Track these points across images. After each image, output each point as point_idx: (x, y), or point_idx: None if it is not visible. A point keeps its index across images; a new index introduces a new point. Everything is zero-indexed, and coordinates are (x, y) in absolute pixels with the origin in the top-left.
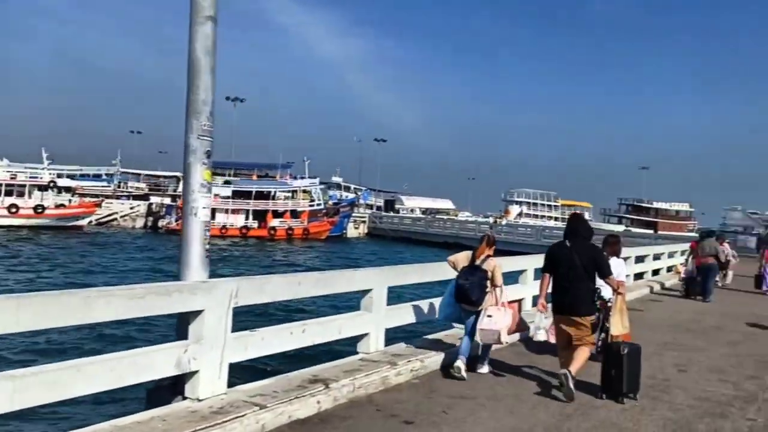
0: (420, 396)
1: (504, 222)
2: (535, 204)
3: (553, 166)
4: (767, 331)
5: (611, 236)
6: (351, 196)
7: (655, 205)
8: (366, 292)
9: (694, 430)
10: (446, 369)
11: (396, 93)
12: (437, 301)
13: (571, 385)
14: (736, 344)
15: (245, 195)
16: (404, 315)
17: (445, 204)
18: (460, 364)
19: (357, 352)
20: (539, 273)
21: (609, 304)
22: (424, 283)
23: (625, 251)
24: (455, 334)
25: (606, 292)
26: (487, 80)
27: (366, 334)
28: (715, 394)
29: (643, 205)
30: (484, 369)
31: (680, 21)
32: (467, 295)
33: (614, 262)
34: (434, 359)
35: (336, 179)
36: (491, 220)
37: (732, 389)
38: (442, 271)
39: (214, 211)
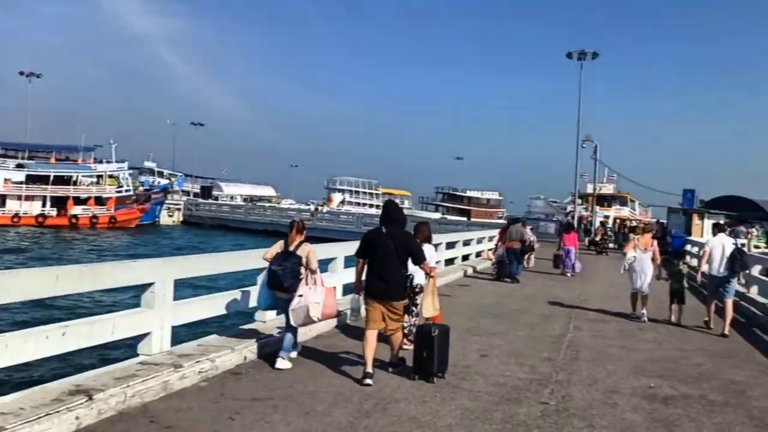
0: (206, 401)
1: (326, 209)
2: (357, 192)
3: (375, 156)
4: (565, 309)
5: (421, 223)
6: (164, 182)
7: (468, 193)
8: (147, 286)
9: (491, 419)
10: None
11: (216, 76)
12: (254, 290)
13: (370, 382)
14: (534, 326)
15: (42, 180)
16: (197, 309)
17: (267, 191)
18: (281, 365)
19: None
20: (351, 261)
21: (417, 290)
22: (246, 270)
23: (440, 237)
24: (277, 322)
25: (419, 278)
26: (306, 66)
27: (147, 334)
28: (512, 379)
29: (458, 193)
30: (292, 355)
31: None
32: (280, 281)
33: (425, 249)
34: (226, 358)
35: (148, 164)
36: (312, 207)
37: (529, 372)
38: (248, 260)
39: (4, 198)
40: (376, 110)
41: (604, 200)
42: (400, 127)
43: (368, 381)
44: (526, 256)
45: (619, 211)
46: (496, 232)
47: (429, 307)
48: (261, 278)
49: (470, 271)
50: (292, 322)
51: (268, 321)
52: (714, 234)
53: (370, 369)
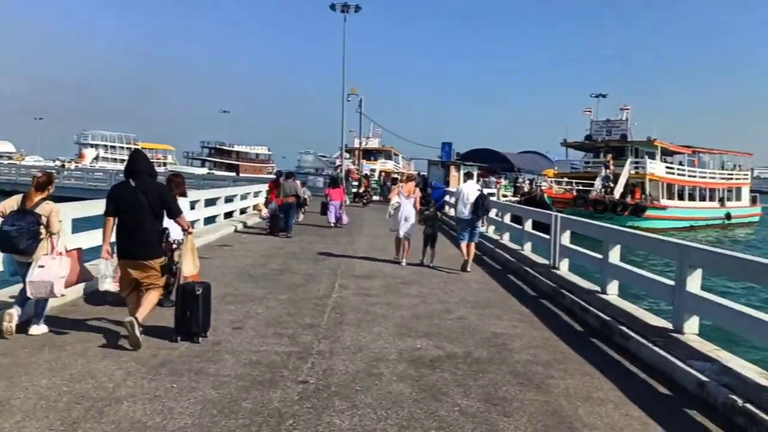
0: None
1: (74, 167)
2: (113, 147)
3: (136, 108)
4: (332, 265)
5: (174, 175)
6: None
7: (236, 148)
8: None
9: (238, 411)
10: None
11: None
12: None
13: (137, 333)
14: (298, 288)
15: None
16: None
17: (5, 146)
18: (8, 319)
19: None
20: (99, 221)
21: (174, 246)
22: None
23: (207, 193)
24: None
25: (174, 232)
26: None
27: None
28: (268, 354)
29: (225, 148)
30: (39, 329)
31: None
32: (13, 242)
33: (181, 202)
34: None
35: None
36: (58, 164)
37: (288, 344)
38: None
39: None
40: (134, 62)
41: (370, 154)
42: (161, 78)
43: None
44: (300, 210)
45: (384, 164)
46: (262, 187)
47: (189, 265)
48: None
49: (241, 226)
50: (29, 294)
51: None
52: (464, 181)
53: (137, 329)
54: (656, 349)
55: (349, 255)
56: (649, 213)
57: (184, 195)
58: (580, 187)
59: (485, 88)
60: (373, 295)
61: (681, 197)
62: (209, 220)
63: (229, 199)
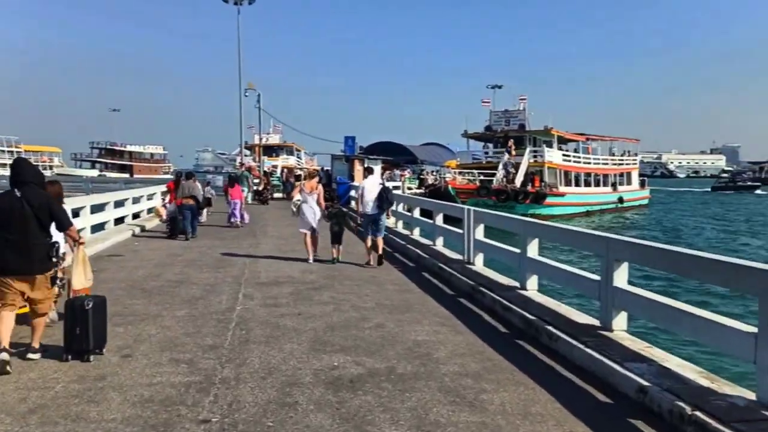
0: None
1: None
2: None
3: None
4: (235, 272)
5: (51, 182)
6: None
7: (129, 148)
8: None
9: None
10: None
11: None
12: None
13: (7, 357)
14: (197, 301)
15: None
16: None
17: None
18: None
19: None
20: None
21: (62, 259)
22: None
23: (93, 198)
24: None
25: (63, 244)
26: None
27: None
28: (163, 388)
29: (117, 148)
30: None
31: None
32: None
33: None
34: None
35: None
36: None
37: (186, 372)
38: None
39: None
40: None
41: (272, 150)
42: (48, 77)
43: (4, 356)
44: (202, 211)
45: (286, 160)
46: (156, 189)
47: (80, 277)
48: None
49: (139, 230)
50: None
51: None
52: (365, 176)
53: (5, 344)
54: (588, 350)
55: (254, 258)
56: (548, 200)
57: (61, 202)
58: (483, 178)
59: (385, 78)
60: (282, 305)
61: (577, 183)
62: (98, 228)
63: (119, 204)
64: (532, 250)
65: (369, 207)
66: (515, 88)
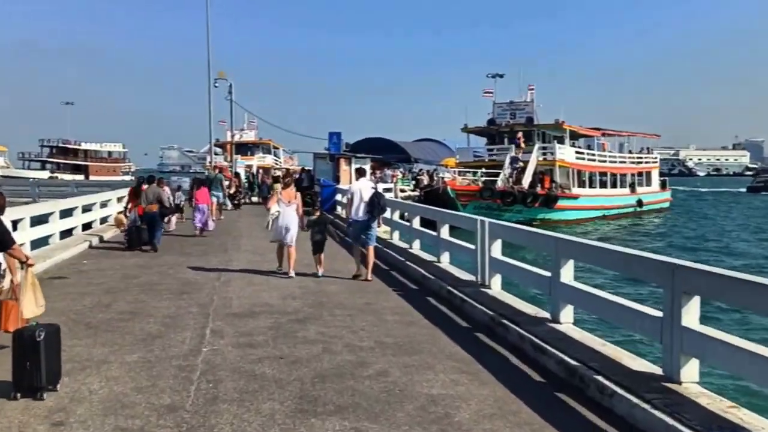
0: None
1: None
2: None
3: None
4: (201, 298)
5: None
6: None
7: (84, 146)
8: None
9: None
10: None
11: None
12: None
13: None
14: (154, 340)
15: None
16: None
17: None
18: None
19: None
20: None
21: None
22: None
23: (33, 208)
24: None
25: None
26: None
27: None
28: None
29: (70, 146)
30: None
31: None
32: None
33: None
34: None
35: None
36: None
37: None
38: None
39: None
40: None
41: (246, 149)
42: None
43: None
44: (167, 219)
45: (263, 159)
46: (113, 195)
47: (30, 304)
48: None
49: (96, 241)
50: None
51: None
52: (357, 179)
53: None
54: (656, 412)
55: (226, 277)
56: (560, 203)
57: (1, 212)
58: (485, 178)
59: (373, 71)
60: (259, 345)
61: (592, 184)
62: (42, 242)
63: (66, 213)
64: (567, 273)
65: (360, 214)
66: (520, 78)
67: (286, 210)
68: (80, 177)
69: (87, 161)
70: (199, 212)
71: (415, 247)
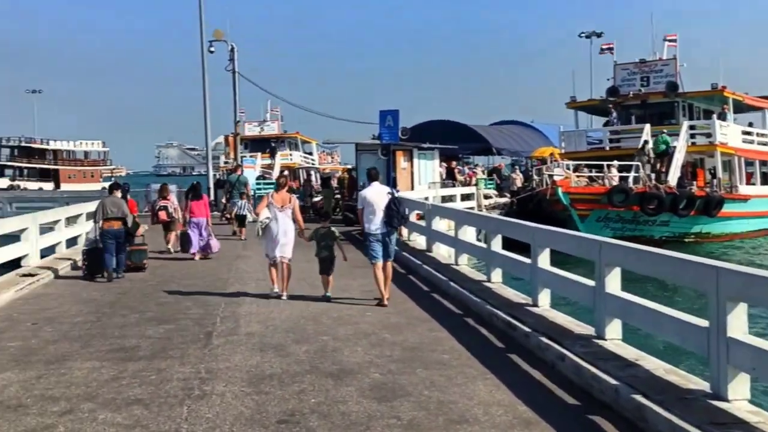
0: None
1: None
2: None
3: None
4: (187, 369)
5: None
6: None
7: (53, 145)
8: None
9: None
10: None
11: None
12: None
13: None
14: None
15: None
16: None
17: None
18: None
19: None
20: None
21: None
22: None
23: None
24: None
25: None
26: None
27: None
28: None
29: (35, 146)
30: None
31: None
32: None
33: None
34: None
35: None
36: None
37: None
38: None
39: None
40: None
41: (265, 144)
42: None
43: None
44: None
45: (288, 157)
46: (82, 209)
47: None
48: None
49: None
50: None
51: None
52: (370, 182)
53: None
54: None
55: (231, 329)
56: (725, 209)
57: None
58: (593, 174)
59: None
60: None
61: (765, 181)
62: None
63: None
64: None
65: (376, 224)
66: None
67: (280, 217)
68: (49, 186)
69: (57, 164)
70: (194, 230)
71: (495, 279)
